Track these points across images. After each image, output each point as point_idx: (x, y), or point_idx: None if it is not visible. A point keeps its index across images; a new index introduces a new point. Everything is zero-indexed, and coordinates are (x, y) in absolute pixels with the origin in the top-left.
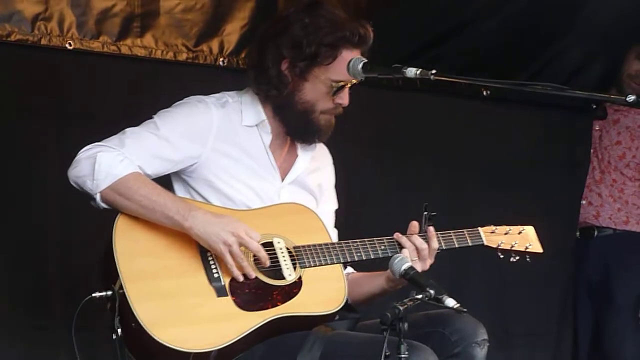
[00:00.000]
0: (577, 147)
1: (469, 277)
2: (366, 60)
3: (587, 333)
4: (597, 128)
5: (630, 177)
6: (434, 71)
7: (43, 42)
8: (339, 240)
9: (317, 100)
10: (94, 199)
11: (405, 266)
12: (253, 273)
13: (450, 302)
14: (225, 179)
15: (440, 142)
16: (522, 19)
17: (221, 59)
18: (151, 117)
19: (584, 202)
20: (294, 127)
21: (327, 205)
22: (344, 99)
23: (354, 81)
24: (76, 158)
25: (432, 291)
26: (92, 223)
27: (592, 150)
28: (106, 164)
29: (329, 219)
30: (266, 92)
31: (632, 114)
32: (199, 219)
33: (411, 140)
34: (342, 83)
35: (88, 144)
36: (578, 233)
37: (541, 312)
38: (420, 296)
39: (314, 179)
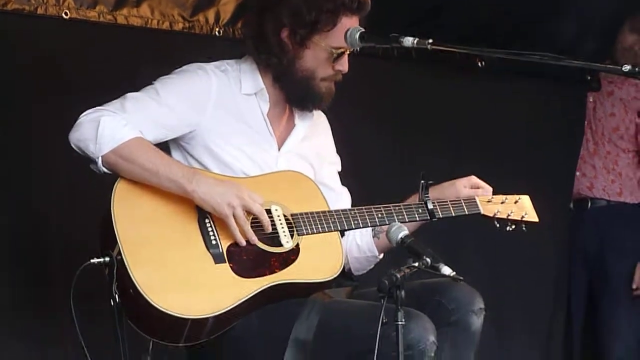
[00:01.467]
0: (571, 118)
1: (464, 247)
2: (363, 30)
3: (582, 303)
4: (591, 100)
5: (624, 149)
6: (430, 40)
7: (39, 11)
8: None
9: (317, 67)
10: (95, 163)
11: (401, 234)
12: (255, 238)
13: (447, 270)
14: (223, 146)
15: (435, 114)
16: None
17: (217, 29)
18: (151, 83)
19: (577, 173)
20: (295, 94)
21: (324, 169)
22: (343, 65)
23: (352, 48)
24: (78, 121)
25: (428, 259)
26: (92, 189)
27: (586, 122)
28: (110, 128)
29: (333, 179)
30: (266, 61)
31: (626, 85)
32: (203, 182)
33: (406, 111)
34: (342, 50)
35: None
36: (572, 204)
37: (535, 283)
38: (417, 264)
39: (311, 147)
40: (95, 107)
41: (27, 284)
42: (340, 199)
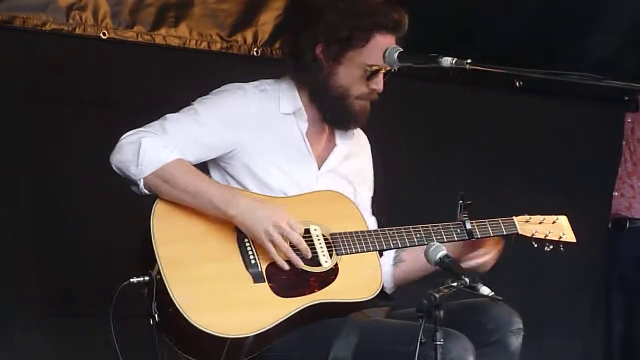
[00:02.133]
0: (609, 138)
1: (501, 268)
2: (402, 49)
3: (620, 325)
4: (629, 120)
5: None
6: (469, 60)
7: (77, 31)
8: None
9: (351, 84)
10: (137, 185)
11: (440, 254)
12: (300, 262)
13: (486, 290)
14: (263, 165)
15: (472, 134)
16: (554, 9)
17: (255, 49)
18: (190, 104)
19: (616, 193)
20: (330, 112)
21: (363, 192)
22: (378, 84)
23: (389, 68)
24: (119, 143)
25: (467, 279)
26: (130, 209)
27: (624, 143)
28: (151, 150)
29: (366, 206)
30: (302, 78)
31: None
32: (242, 207)
33: (445, 131)
34: (376, 68)
35: (126, 131)
36: (610, 224)
37: (574, 304)
38: (455, 284)
39: (351, 167)
40: (135, 128)
41: (66, 301)
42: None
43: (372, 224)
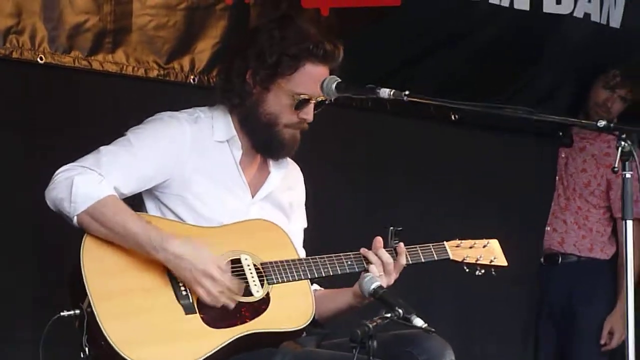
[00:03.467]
0: (542, 173)
1: (434, 297)
2: (339, 80)
3: (551, 356)
4: (563, 155)
5: (595, 205)
6: (407, 92)
7: (14, 55)
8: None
9: (280, 112)
10: (71, 221)
11: (374, 285)
12: (232, 305)
13: (419, 321)
14: (197, 195)
15: (408, 164)
16: (492, 46)
17: (192, 77)
18: (124, 135)
19: (548, 228)
20: (259, 139)
21: (297, 224)
22: (308, 114)
23: (320, 98)
24: (53, 179)
25: (401, 310)
26: (63, 240)
27: (557, 178)
28: (83, 187)
29: (299, 238)
30: (230, 102)
31: (598, 142)
32: (170, 254)
33: (379, 161)
34: (305, 96)
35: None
36: (542, 259)
37: (504, 334)
38: (389, 315)
39: (286, 197)
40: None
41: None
42: None
43: (302, 255)
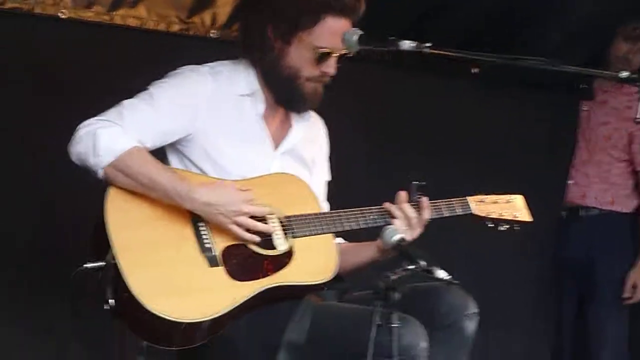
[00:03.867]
0: (561, 127)
1: (451, 253)
2: (362, 32)
3: (571, 311)
4: (585, 109)
5: (617, 158)
6: (429, 44)
7: (36, 10)
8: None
9: (301, 66)
10: (96, 175)
11: (396, 237)
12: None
13: (442, 273)
14: (220, 149)
15: (425, 121)
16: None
17: (213, 31)
18: (146, 88)
19: (570, 182)
20: (281, 93)
21: (319, 177)
22: (330, 68)
23: (342, 51)
24: (76, 134)
25: (423, 262)
26: (85, 192)
27: (579, 131)
28: (107, 140)
29: (321, 191)
30: (252, 57)
31: (619, 95)
32: (198, 203)
33: (397, 117)
34: (326, 50)
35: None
36: (564, 213)
37: (525, 290)
38: (411, 267)
39: (308, 151)
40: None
41: (27, 285)
42: None
43: (326, 209)
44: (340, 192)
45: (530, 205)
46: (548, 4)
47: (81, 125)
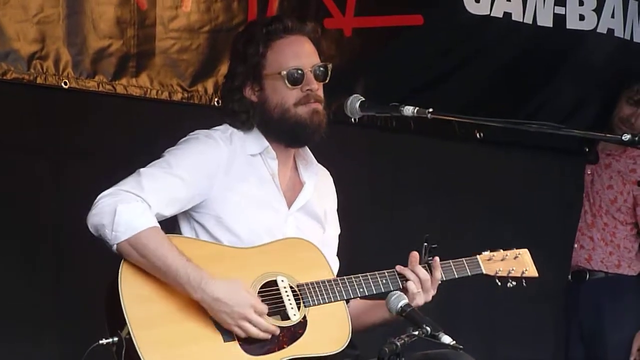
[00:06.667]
0: (569, 190)
1: (459, 314)
2: (363, 99)
3: None
4: (589, 172)
5: (622, 221)
6: (430, 110)
7: (39, 80)
8: (339, 269)
9: (283, 97)
10: (111, 248)
11: (401, 303)
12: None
13: (447, 339)
14: (232, 215)
15: (432, 184)
16: (515, 63)
17: (216, 99)
18: (162, 156)
19: (575, 245)
20: (284, 133)
21: (331, 231)
22: (309, 83)
23: (314, 64)
24: (96, 204)
25: (428, 328)
26: (92, 263)
27: (584, 195)
28: (126, 216)
29: (333, 245)
30: (240, 121)
31: (623, 158)
32: (208, 296)
33: (403, 180)
34: (291, 68)
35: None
36: (570, 276)
37: (532, 354)
38: (417, 332)
39: (320, 206)
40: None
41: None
42: None
43: (336, 265)
44: (347, 255)
45: (540, 269)
46: (557, 66)
47: (101, 195)
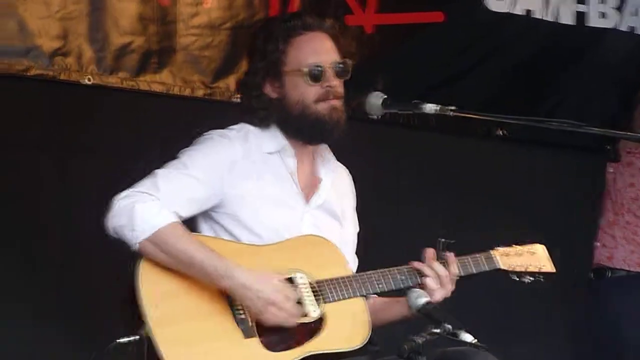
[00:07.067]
0: (588, 188)
1: (475, 307)
2: (385, 96)
3: None
4: (610, 170)
5: None
6: (453, 107)
7: (62, 77)
8: (358, 267)
9: (303, 94)
10: (132, 248)
11: (422, 301)
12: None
13: (468, 337)
14: (251, 212)
15: (453, 182)
16: (535, 60)
17: (237, 96)
18: (177, 157)
19: (597, 244)
20: (303, 130)
21: (350, 229)
22: (328, 80)
23: (333, 60)
24: (113, 207)
25: (449, 326)
26: (98, 261)
27: (605, 193)
28: (144, 215)
29: (352, 243)
30: (259, 118)
31: None
32: (237, 283)
33: (426, 178)
34: (312, 65)
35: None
36: (592, 274)
37: (554, 353)
38: (437, 330)
39: (337, 203)
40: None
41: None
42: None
43: (354, 263)
44: (366, 254)
45: (561, 267)
46: (576, 64)
47: (117, 197)
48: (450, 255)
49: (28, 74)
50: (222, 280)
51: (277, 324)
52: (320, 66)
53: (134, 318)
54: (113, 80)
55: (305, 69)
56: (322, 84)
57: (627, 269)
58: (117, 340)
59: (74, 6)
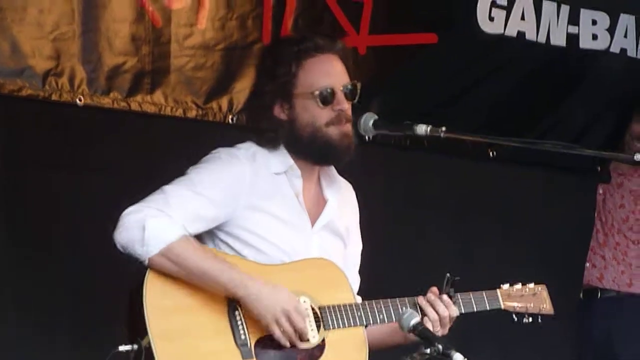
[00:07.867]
0: (580, 209)
1: (473, 336)
2: (377, 117)
3: None
4: (600, 192)
5: (634, 240)
6: (444, 128)
7: (54, 97)
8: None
9: (314, 117)
10: (142, 263)
11: (413, 321)
12: (301, 345)
13: (459, 357)
14: (257, 233)
15: (446, 202)
16: (528, 82)
17: (230, 116)
18: (185, 173)
19: (587, 264)
20: (312, 152)
21: (354, 248)
22: (340, 103)
23: (343, 84)
24: (122, 222)
25: (440, 346)
26: (108, 280)
27: (595, 214)
28: (156, 229)
29: (355, 261)
30: (267, 139)
31: (635, 177)
32: (250, 291)
33: (417, 198)
34: (323, 87)
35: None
36: (582, 294)
37: None
38: (428, 350)
39: (342, 221)
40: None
41: None
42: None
43: (356, 283)
44: (365, 274)
45: (551, 287)
46: (571, 85)
47: (125, 212)
48: (449, 302)
49: (20, 94)
50: (236, 289)
51: (286, 336)
52: (331, 89)
53: (137, 328)
54: (105, 101)
55: (317, 92)
56: (334, 107)
57: (617, 289)
58: (118, 349)
59: (67, 27)
